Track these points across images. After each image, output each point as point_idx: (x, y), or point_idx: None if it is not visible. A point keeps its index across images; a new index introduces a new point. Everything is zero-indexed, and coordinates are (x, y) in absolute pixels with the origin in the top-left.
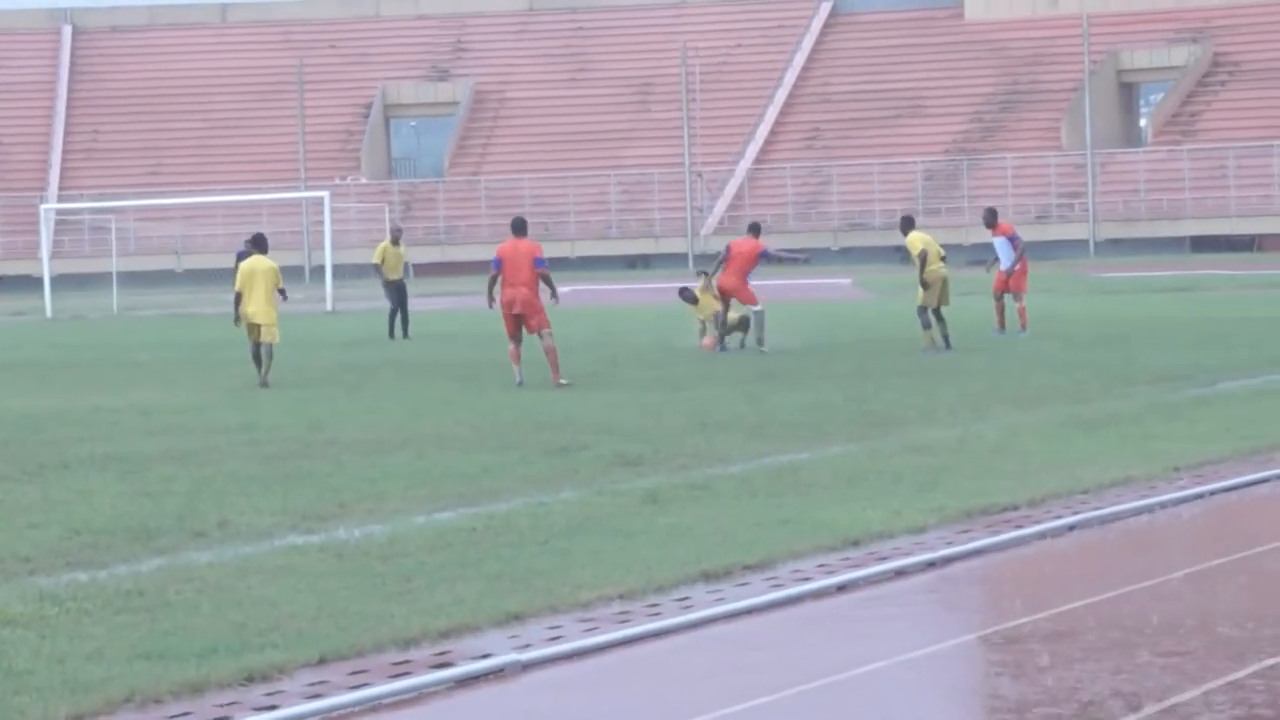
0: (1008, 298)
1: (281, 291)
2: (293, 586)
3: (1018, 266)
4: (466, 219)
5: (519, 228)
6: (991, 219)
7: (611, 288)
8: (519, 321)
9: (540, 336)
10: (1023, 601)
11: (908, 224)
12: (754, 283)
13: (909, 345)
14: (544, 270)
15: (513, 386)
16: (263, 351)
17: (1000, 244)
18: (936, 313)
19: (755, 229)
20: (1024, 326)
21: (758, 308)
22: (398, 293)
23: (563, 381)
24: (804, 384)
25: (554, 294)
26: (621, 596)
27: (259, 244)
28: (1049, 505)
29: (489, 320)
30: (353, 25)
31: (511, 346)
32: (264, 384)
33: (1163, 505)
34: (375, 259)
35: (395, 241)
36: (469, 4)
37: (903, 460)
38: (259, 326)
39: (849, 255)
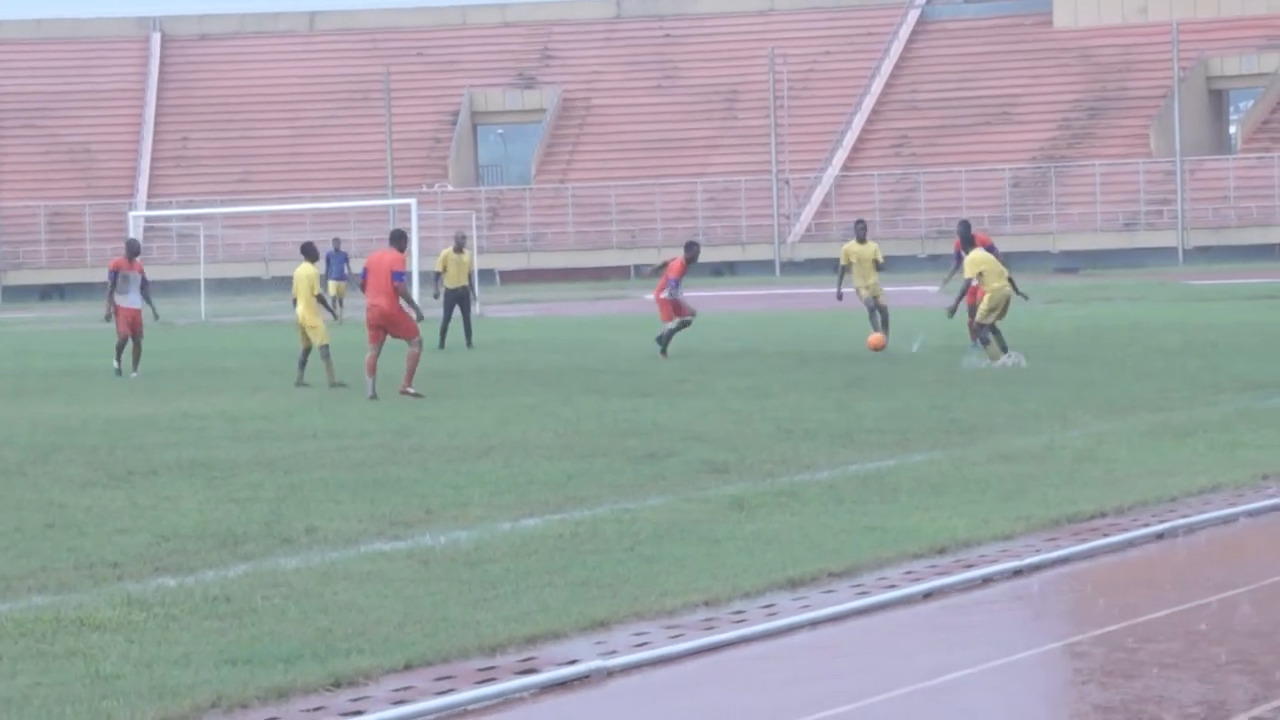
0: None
1: (319, 298)
2: (379, 592)
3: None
4: (553, 226)
5: (392, 239)
6: (966, 231)
7: (698, 294)
8: (381, 332)
9: (408, 344)
10: (1110, 609)
11: (966, 229)
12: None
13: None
14: (399, 284)
15: (596, 392)
16: (319, 354)
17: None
18: (993, 327)
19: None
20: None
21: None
22: (458, 301)
23: (410, 390)
24: (891, 391)
25: (416, 312)
26: (707, 603)
27: (306, 251)
28: (1136, 513)
29: (572, 327)
30: (440, 33)
31: (369, 354)
32: (337, 383)
33: (1251, 513)
34: (437, 267)
35: (459, 249)
36: (556, 11)
37: (989, 468)
38: (305, 330)
39: (937, 262)
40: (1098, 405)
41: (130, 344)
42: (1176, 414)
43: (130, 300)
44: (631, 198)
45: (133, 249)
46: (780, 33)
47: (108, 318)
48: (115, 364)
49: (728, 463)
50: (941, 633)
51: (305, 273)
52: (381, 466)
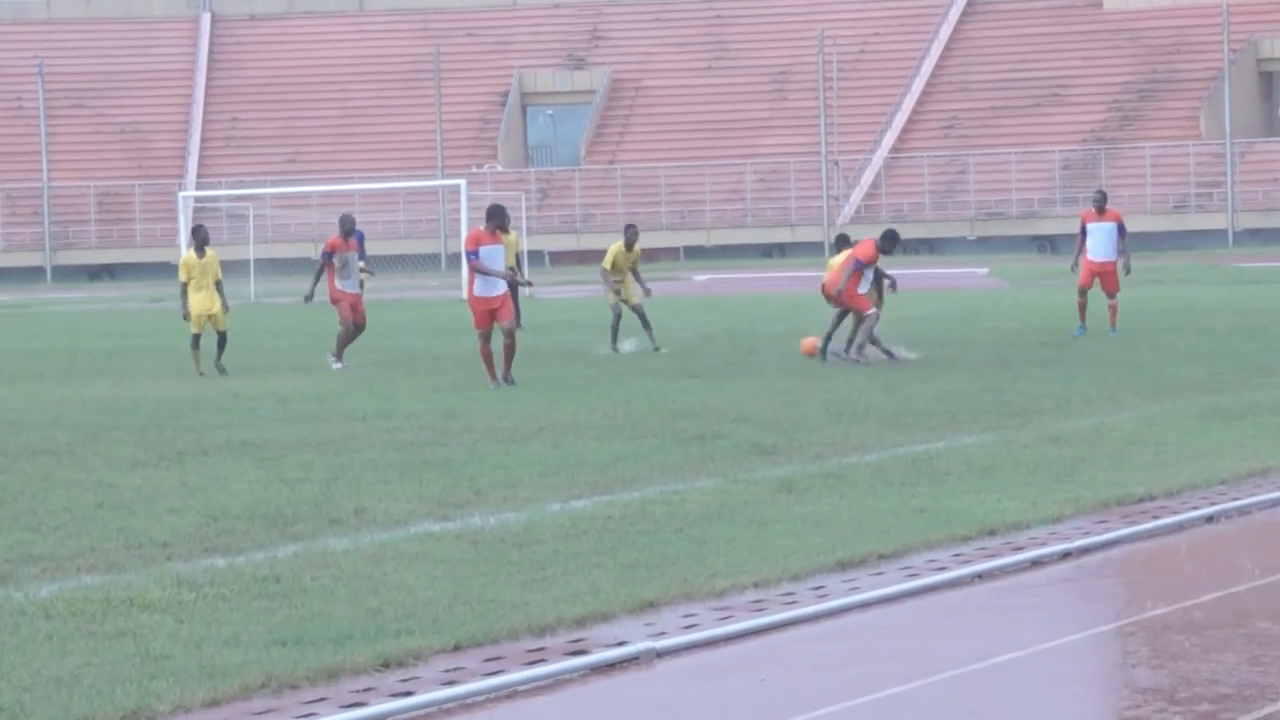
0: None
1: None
2: (428, 573)
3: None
4: (602, 207)
5: (486, 214)
6: (1101, 201)
7: (747, 276)
8: (492, 316)
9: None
10: (1159, 592)
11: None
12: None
13: (1045, 335)
14: (469, 263)
15: (645, 374)
16: (193, 343)
17: (1107, 230)
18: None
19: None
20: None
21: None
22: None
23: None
24: (940, 374)
25: (472, 289)
26: (756, 585)
27: (196, 234)
28: (1186, 496)
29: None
30: (489, 13)
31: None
32: (222, 369)
33: None
34: None
35: (505, 230)
36: None
37: (1039, 450)
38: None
39: (986, 245)
40: (1148, 388)
41: (344, 329)
42: (1227, 397)
43: (351, 285)
44: (681, 179)
45: (346, 226)
46: (830, 14)
47: (309, 299)
48: (338, 360)
49: (776, 445)
50: (991, 615)
51: (189, 260)
52: (431, 448)
